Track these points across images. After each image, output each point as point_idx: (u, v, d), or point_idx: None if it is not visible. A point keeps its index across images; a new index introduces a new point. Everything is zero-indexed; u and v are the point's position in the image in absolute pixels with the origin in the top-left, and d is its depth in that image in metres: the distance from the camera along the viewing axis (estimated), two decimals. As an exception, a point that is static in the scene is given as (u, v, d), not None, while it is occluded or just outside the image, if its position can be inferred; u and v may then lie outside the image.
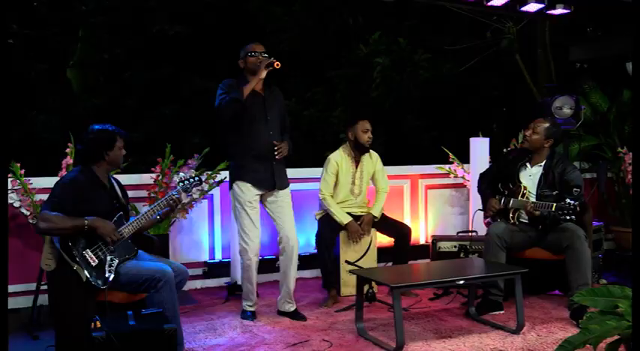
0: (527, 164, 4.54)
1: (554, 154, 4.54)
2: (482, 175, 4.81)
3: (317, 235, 4.86)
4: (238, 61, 4.24)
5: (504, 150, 5.88)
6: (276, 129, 4.22)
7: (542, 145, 4.47)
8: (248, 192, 4.16)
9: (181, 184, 3.77)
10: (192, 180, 3.79)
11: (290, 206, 4.33)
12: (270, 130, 4.18)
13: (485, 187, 4.69)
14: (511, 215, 4.47)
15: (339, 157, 4.90)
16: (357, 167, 4.93)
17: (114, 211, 3.49)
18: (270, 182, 4.20)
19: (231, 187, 4.27)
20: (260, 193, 4.22)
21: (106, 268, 3.33)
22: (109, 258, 3.36)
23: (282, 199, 4.27)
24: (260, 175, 4.16)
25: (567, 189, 4.36)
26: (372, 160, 5.01)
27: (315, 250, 5.13)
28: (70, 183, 3.44)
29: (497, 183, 4.62)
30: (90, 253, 3.32)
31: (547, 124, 4.48)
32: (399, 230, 4.91)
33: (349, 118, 5.21)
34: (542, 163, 4.50)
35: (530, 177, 4.52)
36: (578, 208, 4.08)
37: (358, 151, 4.91)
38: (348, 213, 4.85)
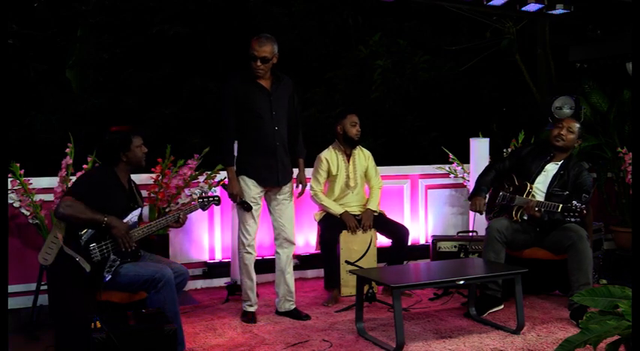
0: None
1: (572, 154, 4.56)
2: (490, 167, 4.75)
3: (319, 237, 4.89)
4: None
5: (504, 150, 5.88)
6: (282, 124, 4.19)
7: (573, 145, 4.49)
8: (253, 188, 4.17)
9: (200, 200, 3.81)
10: (211, 199, 3.85)
11: (292, 206, 4.34)
12: (276, 125, 4.15)
13: (488, 179, 4.62)
14: (514, 213, 4.47)
15: (329, 154, 4.96)
16: (349, 161, 4.97)
17: (129, 212, 3.51)
18: (274, 179, 4.21)
19: None
20: (264, 189, 4.23)
21: (106, 268, 3.34)
22: (112, 257, 3.36)
23: (285, 197, 4.28)
24: (264, 172, 4.17)
25: (578, 192, 4.36)
26: (364, 155, 5.06)
27: (315, 251, 5.14)
28: (90, 178, 3.50)
29: (506, 178, 4.60)
30: (96, 247, 3.33)
31: (579, 124, 4.51)
32: (397, 231, 4.92)
33: (339, 112, 5.25)
34: (560, 162, 4.50)
35: (544, 173, 4.51)
36: (584, 212, 4.08)
37: (348, 145, 4.96)
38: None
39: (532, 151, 4.64)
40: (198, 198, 3.87)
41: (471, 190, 5.61)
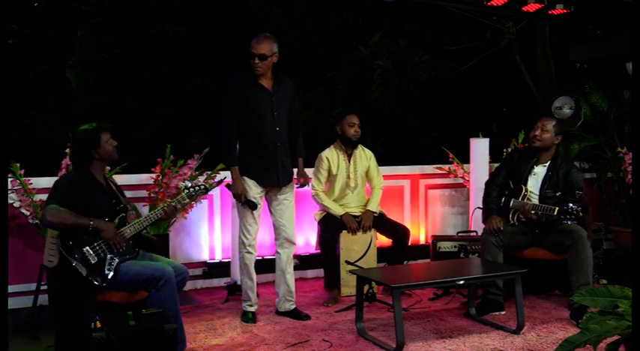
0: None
1: (558, 154, 4.55)
2: (490, 183, 4.69)
3: (319, 237, 4.89)
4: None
5: (504, 150, 5.88)
6: (283, 125, 4.20)
7: (552, 143, 4.48)
8: (254, 188, 4.17)
9: (186, 191, 3.78)
10: (198, 188, 3.81)
11: (292, 206, 4.34)
12: (277, 126, 4.16)
13: (493, 196, 4.56)
14: (510, 216, 4.47)
15: (330, 154, 4.96)
16: (349, 161, 4.96)
17: (115, 211, 3.50)
18: (275, 179, 4.21)
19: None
20: (265, 189, 4.23)
21: (106, 267, 3.34)
22: (108, 257, 3.36)
23: (285, 197, 4.28)
24: (265, 172, 4.17)
25: (570, 191, 4.36)
26: (365, 155, 5.06)
27: (315, 250, 5.14)
28: (68, 181, 3.48)
29: (507, 188, 4.58)
30: (90, 250, 3.33)
31: (554, 122, 4.50)
32: (397, 231, 4.92)
33: (338, 113, 5.25)
34: (547, 163, 4.49)
35: (534, 176, 4.51)
36: (581, 214, 4.08)
37: (348, 145, 4.95)
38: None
39: (521, 155, 4.63)
40: (185, 188, 3.82)
41: (471, 191, 5.65)
